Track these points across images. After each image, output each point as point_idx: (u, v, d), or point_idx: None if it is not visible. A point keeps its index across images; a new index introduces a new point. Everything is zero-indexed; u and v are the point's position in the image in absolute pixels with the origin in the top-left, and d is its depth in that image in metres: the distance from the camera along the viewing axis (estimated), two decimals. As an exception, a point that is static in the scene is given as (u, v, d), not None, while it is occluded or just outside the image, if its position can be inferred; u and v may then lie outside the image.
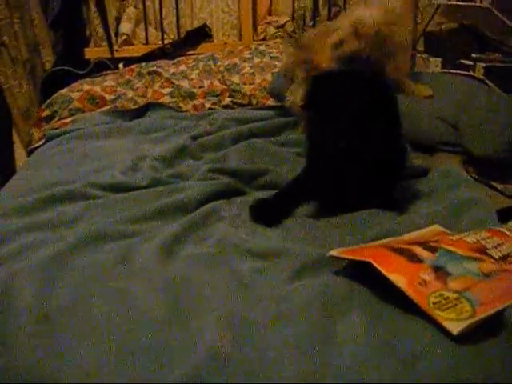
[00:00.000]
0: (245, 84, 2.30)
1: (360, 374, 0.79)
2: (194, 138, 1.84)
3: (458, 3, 2.56)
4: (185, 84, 2.30)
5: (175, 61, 2.51)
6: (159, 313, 0.93)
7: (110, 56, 2.70)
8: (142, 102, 2.23)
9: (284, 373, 0.80)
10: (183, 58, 2.59)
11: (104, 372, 0.81)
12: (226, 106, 2.25)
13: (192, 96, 2.26)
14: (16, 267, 1.06)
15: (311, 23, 2.89)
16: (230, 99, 2.27)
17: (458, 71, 2.34)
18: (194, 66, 2.42)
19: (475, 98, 1.84)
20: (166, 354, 0.84)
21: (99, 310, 0.94)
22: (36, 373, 0.81)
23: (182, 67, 2.42)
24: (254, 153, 1.68)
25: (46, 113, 2.22)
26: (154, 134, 1.92)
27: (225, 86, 2.29)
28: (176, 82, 2.30)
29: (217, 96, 2.27)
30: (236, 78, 2.31)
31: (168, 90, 2.29)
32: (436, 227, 1.20)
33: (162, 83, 2.31)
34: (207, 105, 2.25)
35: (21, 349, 0.85)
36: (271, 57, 2.45)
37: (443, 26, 2.72)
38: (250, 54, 2.48)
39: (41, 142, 2.03)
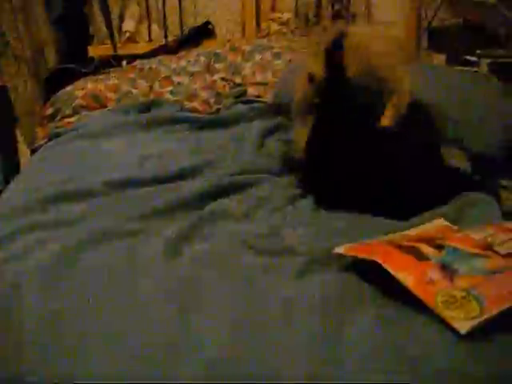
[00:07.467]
0: (247, 81, 2.29)
1: (368, 374, 0.79)
2: (200, 135, 1.84)
3: (462, -2, 2.55)
4: (185, 81, 2.29)
5: (176, 56, 2.51)
6: (166, 311, 0.93)
7: (113, 54, 2.70)
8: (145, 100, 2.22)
9: (292, 372, 0.80)
10: (184, 52, 2.58)
11: (112, 371, 0.81)
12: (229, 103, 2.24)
13: (194, 93, 2.25)
14: (22, 266, 1.06)
15: (314, 20, 2.89)
16: (232, 96, 2.26)
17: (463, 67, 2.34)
18: (195, 61, 2.41)
19: (476, 93, 1.83)
20: (173, 354, 0.84)
21: (106, 309, 0.94)
22: (45, 373, 0.81)
23: (183, 62, 2.41)
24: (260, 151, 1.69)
25: (50, 111, 2.22)
26: (159, 131, 1.92)
27: (226, 83, 2.29)
28: (176, 80, 2.29)
29: (219, 93, 2.26)
30: (238, 78, 2.31)
31: (168, 88, 2.28)
32: (440, 221, 1.20)
33: (161, 82, 2.30)
34: (211, 101, 2.24)
35: (29, 348, 0.85)
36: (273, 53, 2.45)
37: (447, 22, 2.71)
38: (252, 50, 2.47)
39: (45, 141, 2.03)
